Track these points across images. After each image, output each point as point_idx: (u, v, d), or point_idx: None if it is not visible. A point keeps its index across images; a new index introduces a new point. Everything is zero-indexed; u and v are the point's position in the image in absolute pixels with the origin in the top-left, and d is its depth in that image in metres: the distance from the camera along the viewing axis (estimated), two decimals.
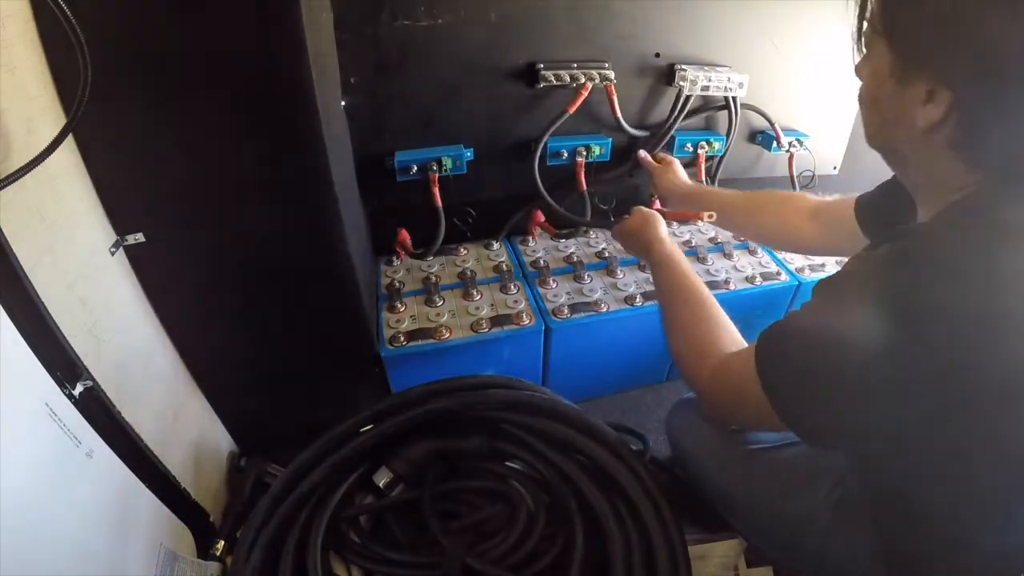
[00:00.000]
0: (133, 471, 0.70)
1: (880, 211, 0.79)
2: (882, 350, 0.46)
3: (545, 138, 1.18)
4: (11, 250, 0.53)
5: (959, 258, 0.46)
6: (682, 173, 1.21)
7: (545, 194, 1.22)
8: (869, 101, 0.58)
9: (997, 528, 0.57)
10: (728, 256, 1.33)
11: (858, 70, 0.59)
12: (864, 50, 0.57)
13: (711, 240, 1.40)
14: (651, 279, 0.98)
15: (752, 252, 1.35)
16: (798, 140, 1.43)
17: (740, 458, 0.79)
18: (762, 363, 0.57)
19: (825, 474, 0.72)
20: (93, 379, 0.63)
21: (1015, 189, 0.48)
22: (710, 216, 1.03)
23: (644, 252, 0.95)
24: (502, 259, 1.27)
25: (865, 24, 0.55)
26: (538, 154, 1.19)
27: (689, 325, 0.76)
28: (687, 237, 1.39)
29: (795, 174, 1.49)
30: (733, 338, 0.72)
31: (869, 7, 0.54)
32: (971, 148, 0.49)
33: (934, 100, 0.48)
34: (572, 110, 1.17)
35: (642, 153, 1.26)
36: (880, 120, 0.57)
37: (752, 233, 1.14)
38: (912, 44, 0.49)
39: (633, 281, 1.21)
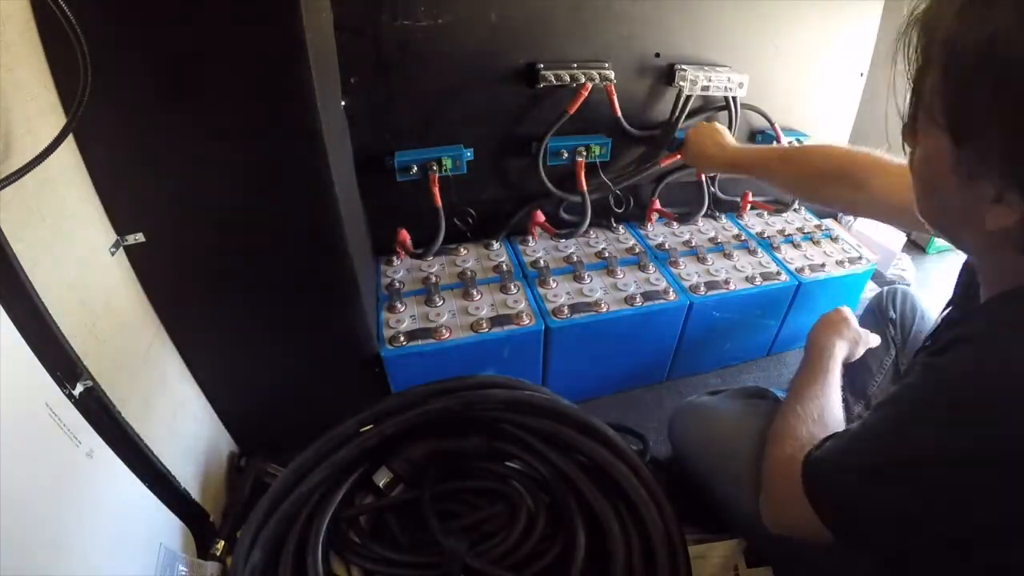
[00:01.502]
0: (133, 471, 0.70)
1: None
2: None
3: (546, 140, 1.18)
4: (11, 250, 0.53)
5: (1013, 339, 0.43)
6: (729, 138, 1.13)
7: (555, 190, 1.23)
8: (923, 182, 0.50)
9: None
10: (728, 256, 1.33)
11: (908, 139, 0.51)
12: (917, 135, 0.48)
13: (711, 240, 1.40)
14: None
15: (752, 252, 1.36)
16: (798, 140, 1.43)
17: (742, 459, 0.79)
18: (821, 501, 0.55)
19: None
20: (93, 379, 0.63)
21: None
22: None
23: (819, 350, 0.85)
24: (502, 259, 1.27)
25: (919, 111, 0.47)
26: (541, 155, 1.19)
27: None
28: (687, 237, 1.39)
29: None
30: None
31: (925, 95, 0.45)
32: None
33: (1004, 202, 0.41)
34: (572, 110, 1.17)
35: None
36: (937, 207, 0.50)
37: (843, 205, 1.04)
38: (980, 145, 0.41)
39: (633, 281, 1.21)
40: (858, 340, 0.91)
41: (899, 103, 0.49)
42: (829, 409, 0.73)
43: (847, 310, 0.93)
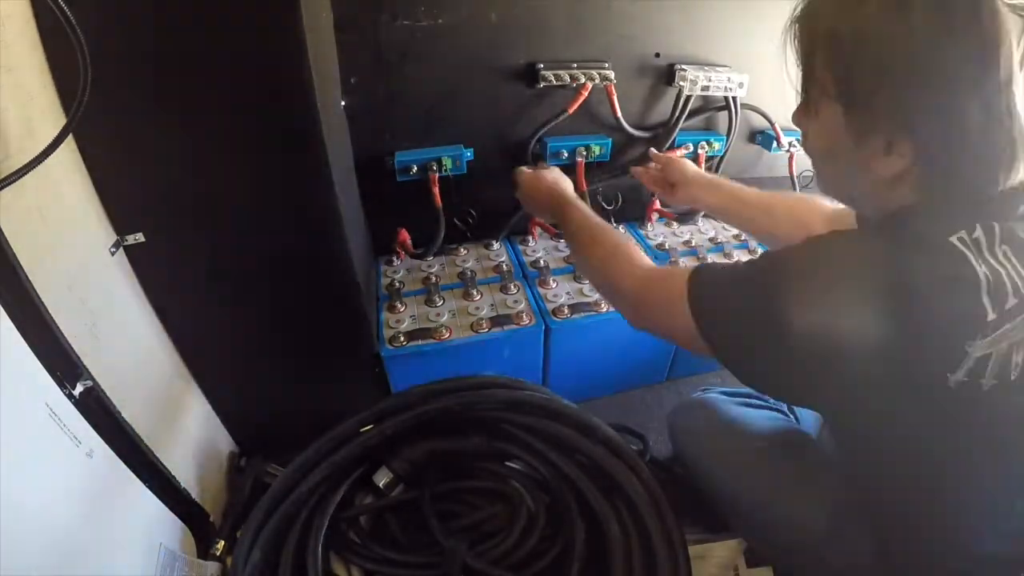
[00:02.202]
0: (133, 471, 0.70)
1: None
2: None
3: (535, 136, 1.18)
4: (11, 250, 0.53)
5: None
6: (690, 164, 1.10)
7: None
8: (821, 155, 0.60)
9: (996, 532, 0.57)
10: (728, 256, 1.33)
11: (798, 121, 0.60)
12: (810, 110, 0.57)
13: (711, 240, 1.40)
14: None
15: (752, 252, 1.35)
16: (798, 140, 1.42)
17: (743, 460, 0.79)
18: (696, 298, 0.60)
19: (827, 477, 0.72)
20: (93, 379, 0.63)
21: (945, 208, 0.50)
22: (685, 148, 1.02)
23: (557, 206, 0.91)
24: (502, 259, 1.27)
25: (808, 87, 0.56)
26: (530, 149, 1.20)
27: (612, 249, 0.77)
28: (687, 237, 1.39)
29: (795, 174, 1.49)
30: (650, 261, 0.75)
31: (816, 74, 0.54)
32: (931, 184, 0.51)
33: (894, 151, 0.50)
34: (572, 110, 1.17)
35: (641, 167, 1.11)
36: (835, 172, 0.60)
37: (764, 232, 1.08)
38: (867, 104, 0.51)
39: None
40: (563, 177, 0.97)
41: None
42: (606, 226, 0.83)
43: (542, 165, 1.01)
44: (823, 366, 0.51)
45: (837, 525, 0.68)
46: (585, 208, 0.87)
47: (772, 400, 0.91)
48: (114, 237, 0.75)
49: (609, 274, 0.76)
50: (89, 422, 0.62)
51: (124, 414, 0.69)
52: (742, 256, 1.34)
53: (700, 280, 0.61)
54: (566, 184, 0.95)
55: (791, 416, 0.92)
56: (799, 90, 0.57)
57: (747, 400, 0.91)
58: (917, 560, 0.63)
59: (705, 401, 0.93)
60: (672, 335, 0.67)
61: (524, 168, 1.03)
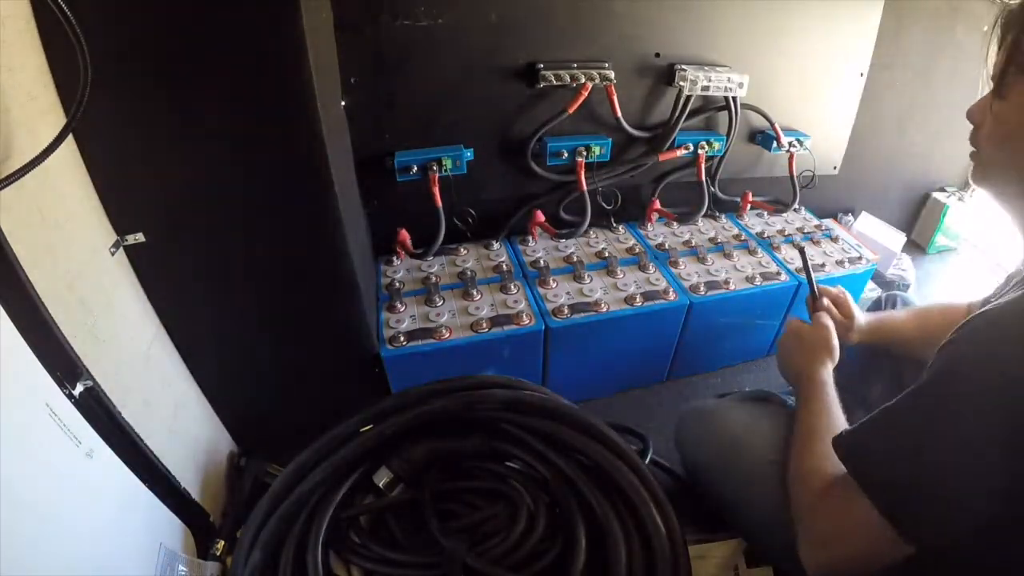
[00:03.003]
0: (133, 471, 0.70)
1: None
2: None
3: (535, 136, 1.19)
4: (11, 250, 0.53)
5: None
6: (858, 313, 0.98)
7: (542, 172, 1.23)
8: (1010, 129, 0.56)
9: None
10: (728, 256, 1.33)
11: (981, 112, 0.58)
12: (1002, 91, 0.55)
13: (711, 240, 1.40)
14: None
15: (752, 252, 1.36)
16: (798, 140, 1.43)
17: (750, 468, 0.78)
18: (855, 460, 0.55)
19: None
20: (93, 379, 0.63)
21: None
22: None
23: (804, 375, 0.82)
24: (502, 259, 1.27)
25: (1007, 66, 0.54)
26: (530, 149, 1.20)
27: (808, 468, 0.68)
28: (687, 237, 1.40)
29: (795, 174, 1.49)
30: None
31: (1019, 55, 0.52)
32: None
33: None
34: (572, 110, 1.17)
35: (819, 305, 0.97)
36: (1012, 156, 0.57)
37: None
38: None
39: (633, 281, 1.21)
40: (836, 349, 0.86)
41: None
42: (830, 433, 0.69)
43: (823, 323, 0.89)
44: None
45: None
46: (829, 398, 0.76)
47: (779, 400, 0.89)
48: (114, 237, 0.75)
49: (793, 489, 0.67)
50: (89, 422, 0.62)
51: (124, 414, 0.69)
52: (743, 255, 1.34)
53: (858, 455, 0.55)
54: (827, 354, 0.84)
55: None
56: (994, 77, 0.56)
57: (753, 403, 0.90)
58: None
59: (712, 404, 0.92)
60: (859, 557, 0.57)
61: (798, 320, 0.92)
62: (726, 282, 1.24)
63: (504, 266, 1.24)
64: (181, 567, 0.77)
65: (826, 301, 0.95)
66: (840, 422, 0.72)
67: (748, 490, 0.78)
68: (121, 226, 0.75)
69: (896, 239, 1.69)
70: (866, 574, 0.56)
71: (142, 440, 0.72)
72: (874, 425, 0.56)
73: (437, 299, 1.14)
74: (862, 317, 0.96)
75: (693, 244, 1.37)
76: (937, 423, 0.50)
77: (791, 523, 0.69)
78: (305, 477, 0.78)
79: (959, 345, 0.51)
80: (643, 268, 1.26)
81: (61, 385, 0.58)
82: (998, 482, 0.47)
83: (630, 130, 1.26)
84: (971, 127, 0.61)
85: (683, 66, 1.23)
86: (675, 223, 1.46)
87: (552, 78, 1.12)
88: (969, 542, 0.51)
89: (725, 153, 1.39)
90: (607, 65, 1.16)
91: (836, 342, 0.87)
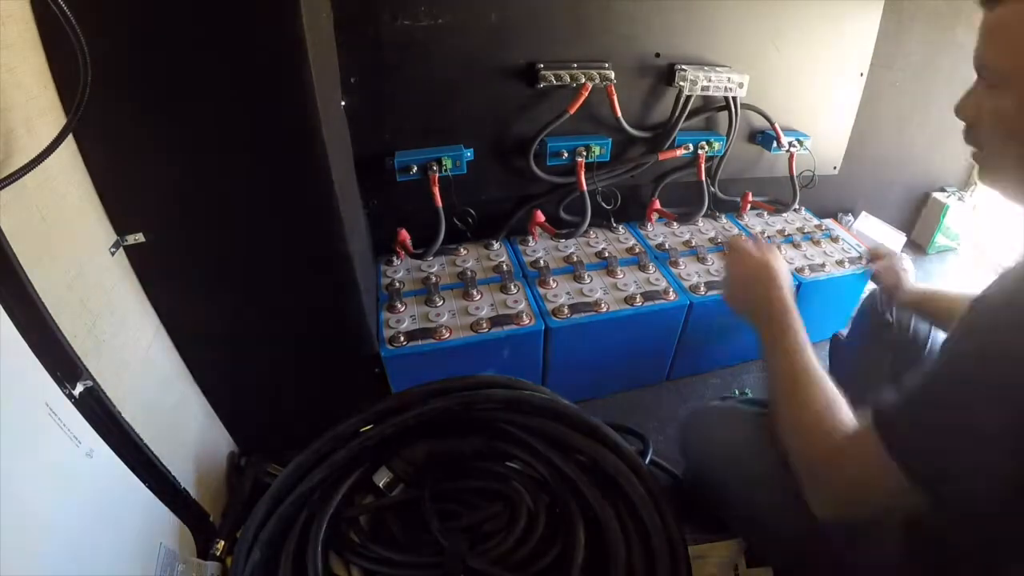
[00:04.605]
0: (133, 471, 0.70)
1: None
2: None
3: (538, 138, 1.18)
4: (11, 250, 0.53)
5: None
6: (912, 278, 1.05)
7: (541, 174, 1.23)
8: (1004, 136, 0.55)
9: None
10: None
11: (972, 106, 0.57)
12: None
13: (711, 240, 1.40)
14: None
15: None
16: (798, 140, 1.43)
17: (759, 469, 0.78)
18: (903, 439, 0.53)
19: None
20: (93, 379, 0.63)
21: None
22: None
23: (768, 311, 0.77)
24: (502, 259, 1.27)
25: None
26: (532, 151, 1.20)
27: (821, 406, 0.66)
28: (687, 237, 1.39)
29: (795, 174, 1.49)
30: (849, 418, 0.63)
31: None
32: None
33: None
34: (572, 110, 1.17)
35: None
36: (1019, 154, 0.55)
37: None
38: None
39: (633, 281, 1.21)
40: (783, 276, 0.81)
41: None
42: (818, 374, 0.68)
43: (755, 249, 0.84)
44: None
45: (859, 536, 0.67)
46: (800, 331, 0.73)
47: None
48: (114, 237, 0.75)
49: (795, 441, 0.65)
50: (89, 422, 0.62)
51: (124, 414, 0.69)
52: None
53: (896, 421, 0.54)
54: (786, 281, 0.80)
55: None
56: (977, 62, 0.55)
57: (760, 405, 0.90)
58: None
59: (718, 406, 0.92)
60: (873, 504, 0.58)
61: (744, 239, 0.87)
62: None
63: (504, 266, 1.24)
64: (181, 567, 0.77)
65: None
66: (815, 359, 0.70)
67: (758, 487, 0.77)
68: (121, 226, 0.75)
69: (896, 239, 1.69)
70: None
71: (142, 440, 0.72)
72: (911, 406, 0.54)
73: (437, 299, 1.14)
74: (916, 283, 1.02)
75: (693, 244, 1.37)
76: (981, 402, 0.49)
77: (798, 526, 0.69)
78: (305, 477, 0.78)
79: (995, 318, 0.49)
80: (643, 268, 1.26)
81: (61, 385, 0.58)
82: None
83: (630, 130, 1.26)
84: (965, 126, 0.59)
85: (683, 66, 1.23)
86: (675, 223, 1.46)
87: (552, 78, 1.12)
88: (995, 510, 0.51)
89: (725, 153, 1.39)
90: (607, 65, 1.16)
91: (784, 265, 0.83)
